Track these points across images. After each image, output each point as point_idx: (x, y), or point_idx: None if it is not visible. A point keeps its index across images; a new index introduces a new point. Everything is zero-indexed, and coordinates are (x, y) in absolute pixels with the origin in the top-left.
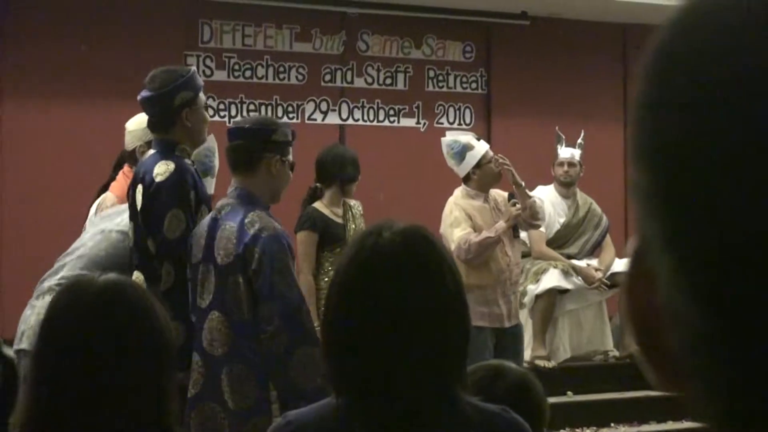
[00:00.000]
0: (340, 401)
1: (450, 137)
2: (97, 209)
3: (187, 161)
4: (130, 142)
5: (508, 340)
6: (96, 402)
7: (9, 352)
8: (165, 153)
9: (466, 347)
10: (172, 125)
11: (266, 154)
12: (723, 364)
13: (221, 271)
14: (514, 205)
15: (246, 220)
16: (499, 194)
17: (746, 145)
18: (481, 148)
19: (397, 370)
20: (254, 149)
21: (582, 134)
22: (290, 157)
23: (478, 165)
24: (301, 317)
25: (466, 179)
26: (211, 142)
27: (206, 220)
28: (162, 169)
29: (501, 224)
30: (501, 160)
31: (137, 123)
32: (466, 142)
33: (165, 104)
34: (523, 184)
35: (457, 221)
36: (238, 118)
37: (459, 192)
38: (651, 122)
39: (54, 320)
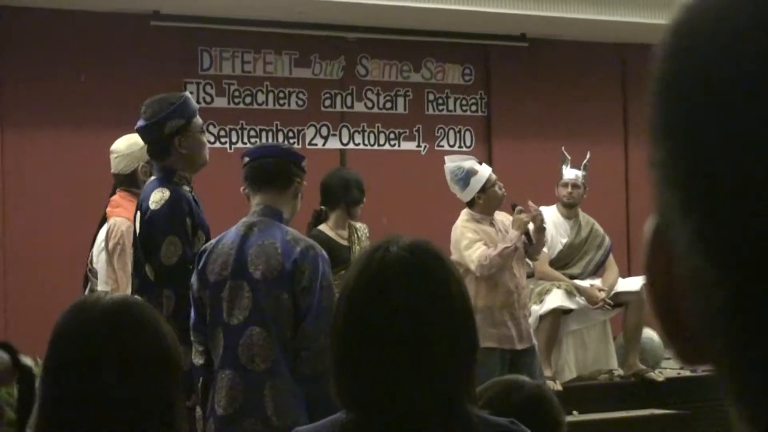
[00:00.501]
0: (350, 416)
1: (452, 163)
2: (108, 234)
3: (186, 188)
4: (129, 164)
5: (522, 362)
6: (104, 419)
7: (27, 361)
8: (163, 180)
9: (474, 361)
10: (168, 153)
11: (296, 176)
12: (743, 329)
13: (261, 286)
14: (520, 212)
15: (287, 237)
16: (506, 217)
17: (756, 109)
18: (485, 172)
19: (406, 385)
20: (288, 169)
21: (588, 156)
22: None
23: (483, 189)
24: None
25: (471, 203)
26: None
27: (231, 237)
28: (157, 197)
29: (513, 233)
30: (533, 210)
31: (130, 145)
32: (470, 168)
33: (156, 133)
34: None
35: (472, 242)
36: (239, 144)
37: (465, 216)
38: (669, 96)
39: (62, 337)
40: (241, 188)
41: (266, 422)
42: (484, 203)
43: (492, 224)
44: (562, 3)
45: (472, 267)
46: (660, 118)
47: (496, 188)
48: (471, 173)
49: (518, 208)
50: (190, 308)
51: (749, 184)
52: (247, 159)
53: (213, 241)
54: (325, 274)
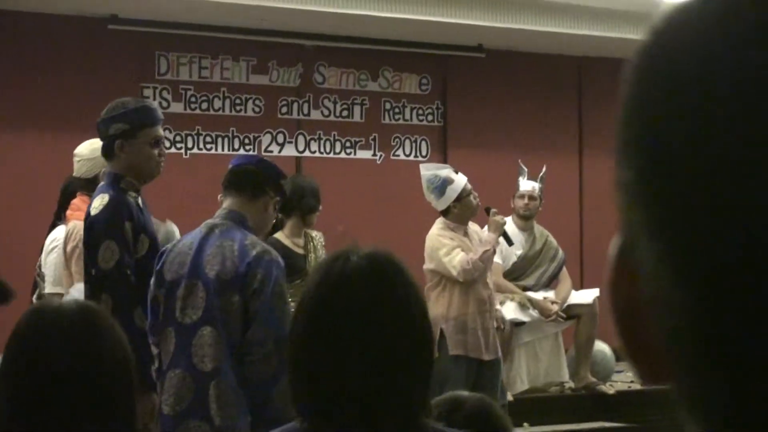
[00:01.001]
0: (305, 425)
1: (428, 171)
2: (67, 237)
3: (132, 194)
4: (91, 169)
5: (487, 374)
6: (62, 424)
7: None
8: (108, 186)
9: (430, 373)
10: (111, 155)
11: (271, 191)
12: (707, 351)
13: (215, 286)
14: (495, 215)
15: (246, 241)
16: (479, 228)
17: (727, 133)
18: (461, 181)
19: (362, 395)
20: (263, 179)
21: (544, 169)
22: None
23: (458, 198)
24: None
25: (446, 212)
26: (170, 227)
27: (191, 237)
28: (97, 203)
29: (490, 235)
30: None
31: (93, 150)
32: (446, 176)
33: (102, 132)
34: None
35: (451, 248)
36: (195, 150)
37: (440, 224)
38: (640, 117)
39: (18, 343)
40: (219, 195)
41: (209, 421)
42: (459, 212)
43: (466, 234)
44: (520, 15)
45: (454, 273)
46: (629, 139)
47: (471, 198)
48: (447, 182)
49: (493, 210)
50: (127, 313)
51: (719, 206)
52: (230, 166)
53: (174, 241)
54: (277, 281)
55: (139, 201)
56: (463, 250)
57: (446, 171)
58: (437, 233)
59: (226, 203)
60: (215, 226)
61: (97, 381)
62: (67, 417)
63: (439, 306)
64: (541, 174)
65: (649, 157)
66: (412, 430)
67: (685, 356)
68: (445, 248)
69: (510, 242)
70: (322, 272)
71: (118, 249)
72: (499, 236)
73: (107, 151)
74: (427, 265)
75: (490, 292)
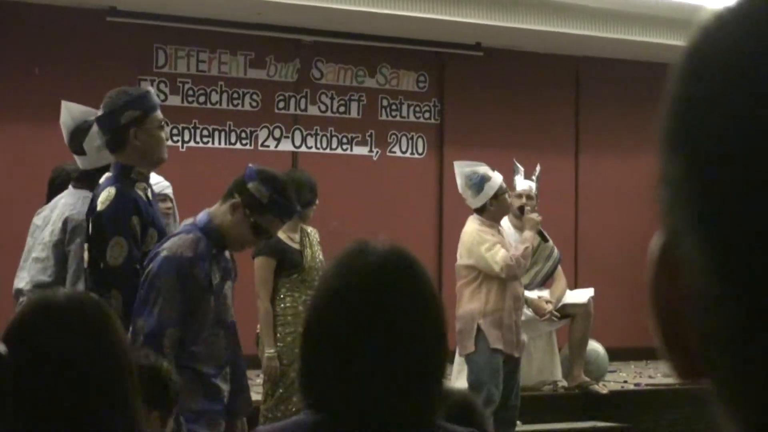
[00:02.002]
0: (317, 418)
1: (467, 168)
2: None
3: (141, 185)
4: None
5: (512, 370)
6: (57, 417)
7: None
8: (115, 178)
9: (444, 372)
10: (123, 145)
11: (236, 194)
12: (753, 348)
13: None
14: (529, 213)
15: (165, 243)
16: (507, 225)
17: None
18: (498, 179)
19: (376, 391)
20: (237, 182)
21: (538, 168)
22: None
23: (495, 196)
24: (155, 339)
25: (481, 210)
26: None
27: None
28: (104, 197)
29: (528, 233)
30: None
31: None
32: (484, 173)
33: (113, 123)
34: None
35: (493, 243)
36: (192, 143)
37: (476, 221)
38: (687, 115)
39: (16, 335)
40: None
41: None
42: (495, 210)
43: (499, 232)
44: (518, 13)
45: (497, 269)
46: (676, 134)
47: (506, 196)
48: (485, 179)
49: (527, 208)
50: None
51: (766, 205)
52: None
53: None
54: (161, 276)
55: (149, 193)
56: (503, 247)
57: (484, 168)
58: (477, 229)
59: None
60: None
61: (94, 373)
62: (65, 409)
63: (475, 301)
64: (536, 173)
65: (698, 153)
66: (426, 427)
67: (725, 353)
68: (487, 243)
69: (546, 239)
70: (338, 267)
71: (127, 245)
72: (536, 233)
73: (118, 142)
74: (465, 261)
75: (522, 289)
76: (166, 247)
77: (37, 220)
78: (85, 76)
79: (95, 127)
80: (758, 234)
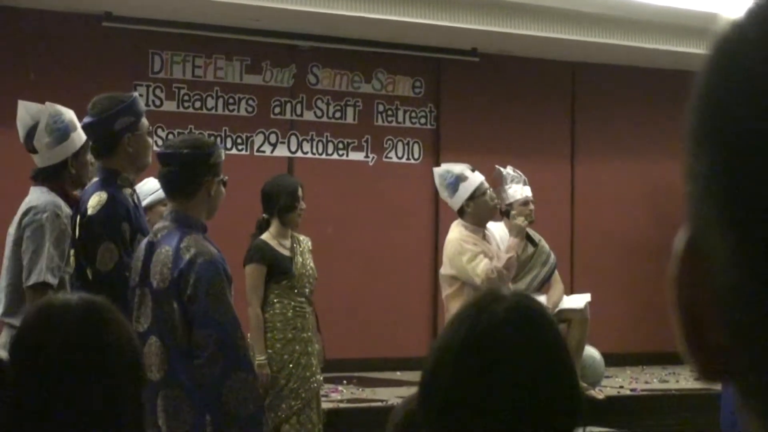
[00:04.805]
0: None
1: (443, 167)
2: None
3: (127, 190)
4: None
5: None
6: (66, 421)
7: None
8: (105, 182)
9: (575, 422)
10: (114, 151)
11: (205, 178)
12: None
13: (157, 295)
14: (515, 217)
15: (182, 245)
16: (502, 229)
17: None
18: (476, 179)
19: None
20: (194, 175)
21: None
22: (224, 176)
23: (472, 197)
24: (236, 343)
25: (461, 213)
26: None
27: (143, 243)
28: (95, 202)
29: (513, 240)
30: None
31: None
32: (460, 173)
33: (106, 130)
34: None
35: (474, 254)
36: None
37: (458, 227)
38: (715, 110)
39: (25, 339)
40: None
41: (158, 431)
42: (473, 212)
43: (485, 237)
44: (514, 19)
45: (478, 281)
46: (703, 131)
47: (487, 198)
48: (461, 179)
49: (513, 213)
50: (127, 315)
51: None
52: (158, 160)
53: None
54: (212, 282)
55: (135, 198)
56: (486, 256)
57: (461, 167)
58: (459, 237)
59: (169, 204)
60: (158, 231)
61: (105, 376)
62: (74, 413)
63: None
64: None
65: (728, 150)
66: None
67: (755, 351)
68: (468, 254)
69: (535, 244)
70: (467, 322)
71: (117, 250)
72: (522, 240)
73: (109, 148)
74: (447, 271)
75: None
76: (200, 253)
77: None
78: (80, 82)
79: (41, 125)
80: None
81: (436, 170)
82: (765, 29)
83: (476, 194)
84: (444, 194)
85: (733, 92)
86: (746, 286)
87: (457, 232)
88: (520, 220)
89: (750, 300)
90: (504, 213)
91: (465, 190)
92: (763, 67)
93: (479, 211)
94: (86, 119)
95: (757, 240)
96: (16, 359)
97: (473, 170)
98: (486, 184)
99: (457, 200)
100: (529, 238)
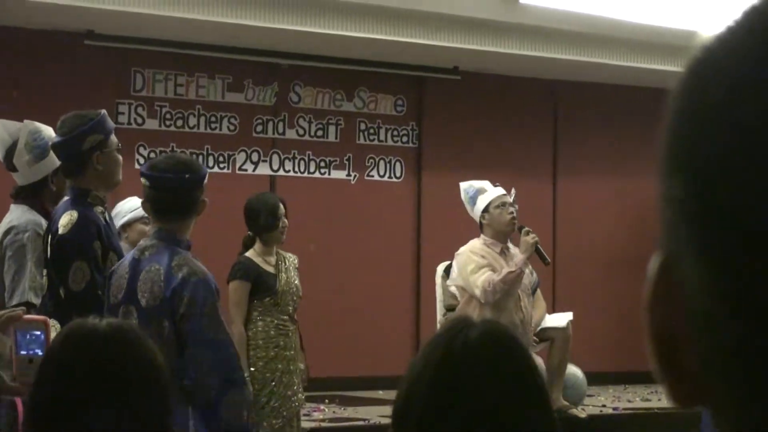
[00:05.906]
0: None
1: (468, 182)
2: None
3: (98, 209)
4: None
5: None
6: None
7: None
8: (75, 201)
9: None
10: (83, 170)
11: (200, 199)
12: (753, 370)
13: (146, 313)
14: (527, 234)
15: (173, 263)
16: (516, 250)
17: None
18: (494, 192)
19: None
20: (191, 199)
21: (513, 192)
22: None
23: (487, 209)
24: (231, 361)
25: (481, 226)
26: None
27: (127, 260)
28: (65, 221)
29: (519, 257)
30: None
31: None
32: (480, 187)
33: (74, 148)
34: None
35: (478, 266)
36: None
37: (475, 240)
38: (688, 134)
39: (52, 364)
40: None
41: None
42: (489, 224)
43: (503, 252)
44: (496, 37)
45: (477, 292)
46: (676, 156)
47: (501, 210)
48: (480, 192)
49: (525, 229)
50: None
51: (767, 224)
52: (145, 182)
53: (118, 263)
54: (206, 301)
55: (106, 216)
56: (493, 270)
57: (484, 182)
58: (470, 249)
59: (156, 223)
60: (146, 248)
61: (133, 400)
62: None
63: None
64: (512, 197)
65: (698, 173)
66: None
67: (728, 375)
68: (472, 265)
69: (546, 262)
70: (439, 350)
71: (89, 269)
72: (529, 257)
73: (79, 167)
74: (458, 282)
75: (523, 316)
76: (193, 272)
77: None
78: (62, 100)
79: (21, 143)
80: (759, 254)
81: (462, 184)
82: (734, 52)
83: (490, 206)
84: (467, 207)
85: (703, 119)
86: (717, 313)
87: (470, 244)
88: (531, 237)
89: (719, 327)
90: (518, 230)
91: (482, 202)
92: (733, 92)
93: (493, 222)
94: (55, 139)
95: (728, 268)
96: (41, 384)
97: (496, 185)
98: (506, 198)
99: (476, 213)
100: (540, 254)
